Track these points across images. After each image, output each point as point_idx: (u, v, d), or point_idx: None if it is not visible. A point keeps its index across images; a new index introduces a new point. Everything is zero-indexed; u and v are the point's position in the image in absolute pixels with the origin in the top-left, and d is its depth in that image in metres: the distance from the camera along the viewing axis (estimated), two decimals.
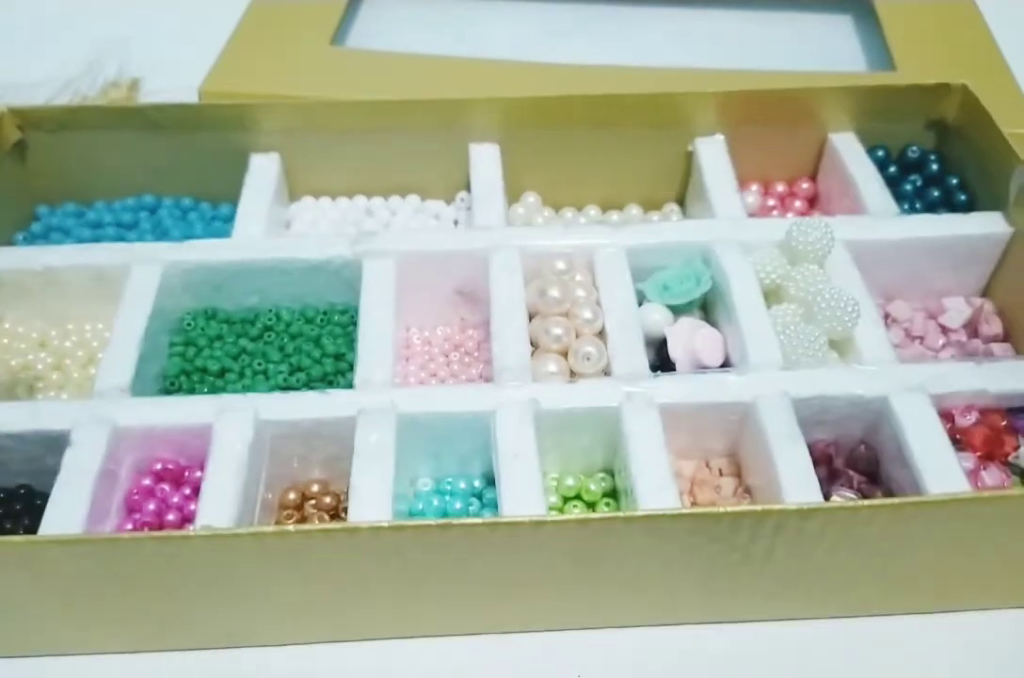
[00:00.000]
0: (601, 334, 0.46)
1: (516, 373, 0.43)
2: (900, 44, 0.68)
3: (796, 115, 0.56)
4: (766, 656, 0.40)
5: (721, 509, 0.34)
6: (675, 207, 0.59)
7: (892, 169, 0.57)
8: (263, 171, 0.55)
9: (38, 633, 0.38)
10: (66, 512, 0.37)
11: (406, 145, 0.56)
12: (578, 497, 0.44)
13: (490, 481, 0.44)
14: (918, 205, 0.55)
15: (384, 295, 0.46)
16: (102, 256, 0.49)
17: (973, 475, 0.41)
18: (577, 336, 0.45)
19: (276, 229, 0.54)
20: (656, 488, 0.38)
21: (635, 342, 0.45)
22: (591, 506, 0.44)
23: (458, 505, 0.43)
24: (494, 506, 0.43)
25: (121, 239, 0.55)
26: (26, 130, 0.54)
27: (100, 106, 0.54)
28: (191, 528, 0.35)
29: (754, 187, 0.59)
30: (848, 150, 0.55)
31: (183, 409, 0.42)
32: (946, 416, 0.42)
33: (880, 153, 0.57)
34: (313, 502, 0.43)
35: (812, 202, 0.59)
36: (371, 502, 0.37)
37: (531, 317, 0.47)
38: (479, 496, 0.44)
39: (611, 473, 0.45)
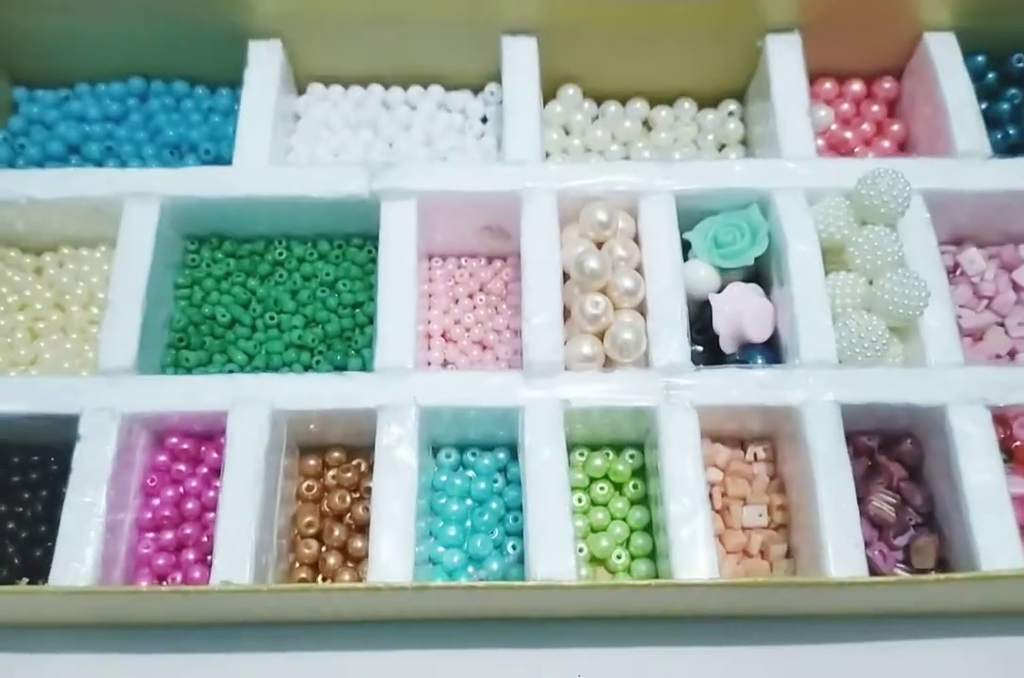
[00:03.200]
0: (641, 305, 0.42)
1: (548, 367, 0.40)
2: None
3: (886, 9, 0.47)
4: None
5: (758, 580, 0.33)
6: (734, 107, 0.51)
7: (991, 77, 0.49)
8: (263, 69, 0.48)
9: None
10: (84, 510, 0.37)
11: (428, 34, 0.48)
12: (606, 477, 0.43)
13: (514, 453, 0.43)
14: (1011, 131, 0.48)
15: (406, 259, 0.42)
16: (91, 187, 0.44)
17: (1021, 502, 0.39)
18: (616, 308, 0.42)
19: (282, 128, 0.48)
20: (688, 516, 0.37)
21: (678, 324, 0.41)
22: (618, 487, 0.43)
23: (482, 485, 0.42)
24: (518, 481, 0.42)
25: (109, 136, 0.50)
26: None
27: None
28: (212, 583, 0.34)
29: (828, 85, 0.51)
30: (944, 57, 0.47)
31: (195, 392, 0.39)
32: (1002, 422, 0.40)
33: (980, 59, 0.49)
34: (333, 474, 0.42)
35: (891, 107, 0.52)
36: (393, 526, 0.36)
37: (565, 275, 0.43)
38: (503, 470, 0.43)
39: (641, 448, 0.43)
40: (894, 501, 0.40)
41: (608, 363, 0.41)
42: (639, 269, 0.42)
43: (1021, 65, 0.49)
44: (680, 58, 0.50)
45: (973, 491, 0.37)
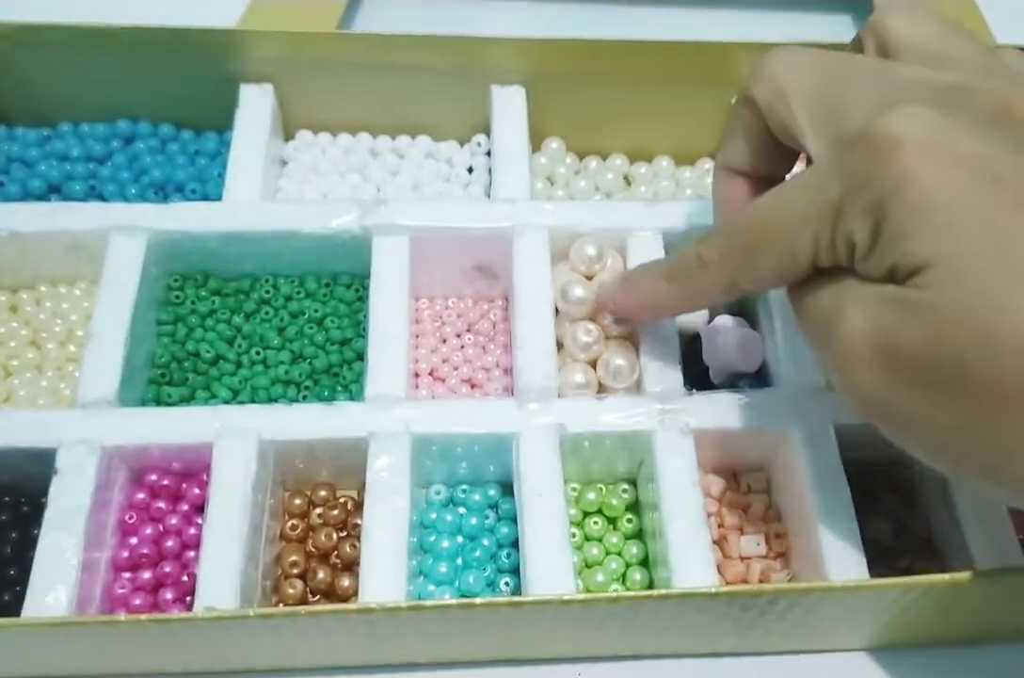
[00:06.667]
0: (632, 335, 0.42)
1: (541, 392, 0.39)
2: None
3: None
4: None
5: (762, 587, 0.32)
6: (710, 165, 0.53)
7: None
8: (255, 110, 0.48)
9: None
10: (59, 546, 0.35)
11: (418, 83, 0.49)
12: (599, 511, 0.42)
13: (506, 490, 0.42)
14: None
15: (398, 290, 0.42)
16: (76, 220, 0.43)
17: (1017, 517, 0.39)
18: (606, 338, 0.42)
19: (272, 169, 0.48)
20: (688, 530, 0.36)
21: (670, 351, 0.41)
22: (612, 522, 0.42)
23: (473, 520, 0.41)
24: (510, 518, 0.41)
25: (92, 176, 0.49)
26: None
27: (64, 24, 0.46)
28: (196, 609, 0.32)
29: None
30: None
31: (178, 424, 0.38)
32: None
33: None
34: (319, 511, 0.41)
35: None
36: (384, 553, 0.35)
37: (557, 309, 0.43)
38: (495, 506, 0.42)
39: (633, 483, 0.42)
40: (892, 526, 0.40)
41: (601, 390, 0.41)
42: None
43: None
44: (657, 118, 0.52)
45: (967, 507, 0.37)
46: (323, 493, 0.41)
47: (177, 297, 0.45)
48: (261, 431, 0.38)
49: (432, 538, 0.40)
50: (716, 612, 0.34)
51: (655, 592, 0.32)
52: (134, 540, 0.38)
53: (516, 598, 0.31)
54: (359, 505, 0.41)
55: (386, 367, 0.39)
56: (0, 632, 0.30)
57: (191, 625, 0.30)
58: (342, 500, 0.41)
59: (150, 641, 0.33)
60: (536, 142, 0.52)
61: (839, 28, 0.61)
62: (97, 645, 0.33)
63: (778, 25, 0.56)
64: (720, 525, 0.41)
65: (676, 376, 0.40)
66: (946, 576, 0.33)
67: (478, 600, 0.31)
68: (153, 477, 0.39)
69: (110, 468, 0.37)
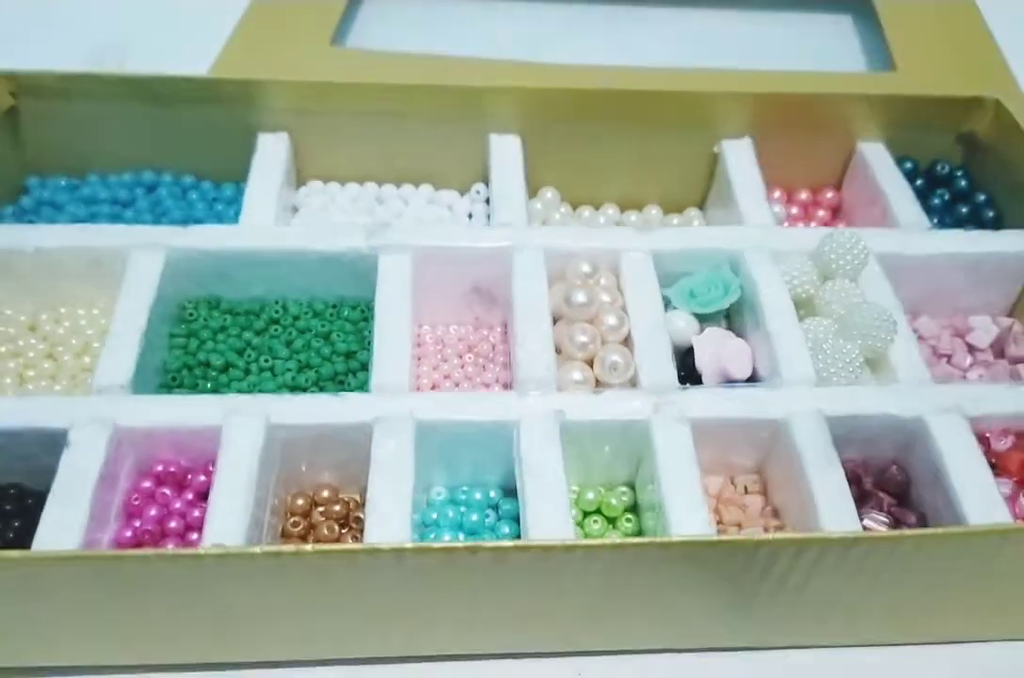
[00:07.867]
0: (627, 341, 0.44)
1: (541, 383, 0.41)
2: (900, 44, 0.67)
3: (825, 121, 0.54)
4: None
5: (760, 537, 0.33)
6: (696, 212, 0.57)
7: (919, 182, 0.55)
8: (271, 152, 0.52)
9: (37, 644, 0.36)
10: (63, 519, 0.35)
11: (421, 132, 0.53)
12: (599, 511, 0.42)
13: (506, 492, 0.42)
14: (947, 220, 0.53)
15: (401, 296, 0.44)
16: (99, 238, 0.46)
17: (1010, 501, 0.40)
18: (603, 343, 0.44)
19: (284, 214, 0.52)
20: (687, 506, 0.37)
21: (663, 351, 0.43)
22: (612, 522, 0.42)
23: (474, 517, 0.41)
24: (511, 518, 0.41)
25: (117, 217, 0.52)
26: (19, 96, 0.51)
27: (101, 75, 0.51)
28: (202, 546, 0.32)
29: (777, 194, 0.57)
30: (877, 160, 0.54)
31: (188, 410, 0.39)
32: (981, 439, 0.41)
33: (908, 165, 0.55)
34: (322, 509, 0.41)
35: (835, 212, 0.58)
36: (389, 518, 0.35)
37: (554, 321, 0.45)
38: (495, 507, 0.42)
39: (632, 487, 0.43)
40: (887, 520, 0.40)
41: (599, 386, 0.42)
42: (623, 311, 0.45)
43: (945, 170, 0.55)
44: (646, 167, 0.56)
45: (965, 498, 0.38)
46: (325, 493, 0.42)
47: (191, 314, 0.47)
48: (269, 415, 0.39)
49: (432, 536, 0.41)
50: (715, 571, 0.34)
51: (657, 539, 0.32)
52: (138, 522, 0.38)
53: (522, 542, 0.32)
54: (360, 505, 0.41)
55: (392, 359, 0.41)
56: (8, 568, 0.30)
57: (198, 563, 0.30)
58: (344, 497, 0.41)
59: (151, 596, 0.32)
60: (532, 191, 0.55)
61: (839, 28, 0.62)
62: (102, 590, 0.32)
63: (778, 25, 0.57)
64: (719, 521, 0.42)
65: (670, 372, 0.42)
66: (940, 530, 0.34)
67: (485, 543, 0.31)
68: (159, 468, 0.40)
69: (119, 450, 0.38)
